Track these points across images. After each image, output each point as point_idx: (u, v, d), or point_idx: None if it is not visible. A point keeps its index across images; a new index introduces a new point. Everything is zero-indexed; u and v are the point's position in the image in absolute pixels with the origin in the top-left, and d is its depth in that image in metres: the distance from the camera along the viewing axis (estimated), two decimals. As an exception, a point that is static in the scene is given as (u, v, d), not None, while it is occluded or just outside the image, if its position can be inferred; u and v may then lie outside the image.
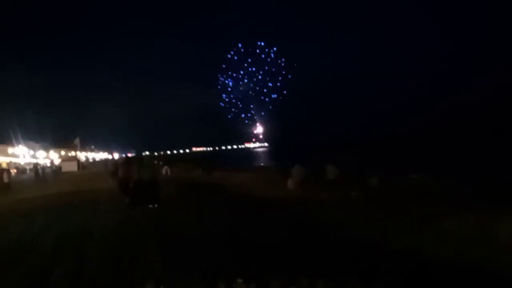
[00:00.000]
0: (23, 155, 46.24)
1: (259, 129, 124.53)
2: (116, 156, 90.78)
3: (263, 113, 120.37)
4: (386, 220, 7.49)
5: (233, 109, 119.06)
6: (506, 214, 6.35)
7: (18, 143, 44.26)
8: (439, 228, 6.52)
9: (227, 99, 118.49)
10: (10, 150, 44.08)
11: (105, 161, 66.48)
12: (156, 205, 10.42)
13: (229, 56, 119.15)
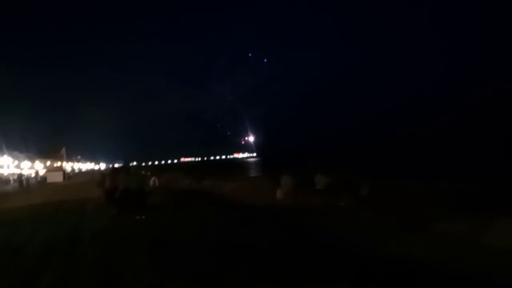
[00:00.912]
0: (7, 165, 45.26)
1: (249, 140, 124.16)
2: (103, 166, 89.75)
3: (250, 126, 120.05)
4: (378, 225, 7.45)
5: (218, 124, 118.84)
6: (499, 218, 6.38)
7: (2, 153, 43.32)
8: (432, 232, 6.51)
9: (212, 114, 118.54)
10: (-6, 160, 43.14)
11: (92, 171, 65.75)
12: (143, 216, 10.13)
13: (215, 68, 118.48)
